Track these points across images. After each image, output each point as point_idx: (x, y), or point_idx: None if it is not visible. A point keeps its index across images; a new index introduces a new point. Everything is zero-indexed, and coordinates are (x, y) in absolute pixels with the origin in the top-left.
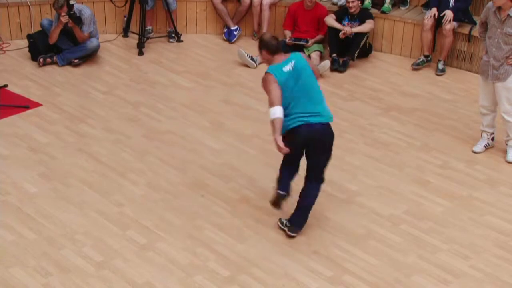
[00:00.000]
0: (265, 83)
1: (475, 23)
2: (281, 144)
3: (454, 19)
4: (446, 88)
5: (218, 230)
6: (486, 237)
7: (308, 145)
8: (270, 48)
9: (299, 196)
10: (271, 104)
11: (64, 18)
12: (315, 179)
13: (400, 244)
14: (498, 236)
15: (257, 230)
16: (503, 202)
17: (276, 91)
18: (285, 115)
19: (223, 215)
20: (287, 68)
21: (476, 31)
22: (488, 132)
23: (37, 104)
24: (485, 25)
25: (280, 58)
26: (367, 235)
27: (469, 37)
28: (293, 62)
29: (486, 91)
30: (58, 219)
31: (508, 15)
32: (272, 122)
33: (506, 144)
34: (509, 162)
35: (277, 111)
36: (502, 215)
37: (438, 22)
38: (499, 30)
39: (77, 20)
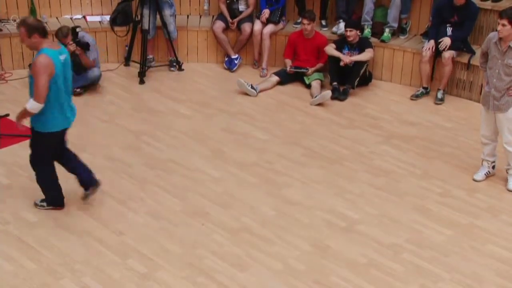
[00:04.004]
0: (39, 67)
1: (474, 52)
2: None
3: (453, 48)
4: (446, 116)
5: (218, 259)
6: (488, 267)
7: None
8: (41, 30)
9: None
10: (40, 96)
11: (72, 46)
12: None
13: (402, 273)
14: (500, 265)
15: (258, 258)
16: (505, 231)
17: (46, 83)
18: (49, 108)
19: (223, 243)
20: (63, 57)
21: (475, 60)
22: (489, 161)
23: None
24: (486, 56)
25: (50, 43)
26: (368, 264)
27: (468, 66)
28: (66, 55)
29: (487, 121)
30: (57, 249)
31: (509, 46)
32: (28, 112)
33: (507, 173)
34: (510, 191)
35: (38, 108)
36: (504, 244)
37: (437, 52)
38: (500, 61)
39: (86, 46)
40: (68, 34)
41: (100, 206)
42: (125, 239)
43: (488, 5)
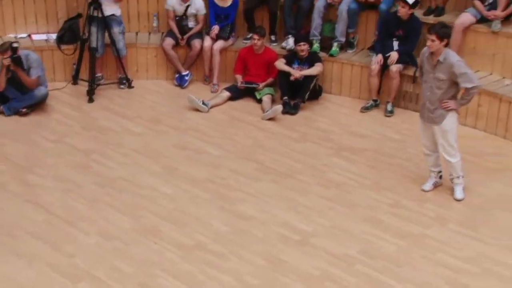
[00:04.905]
0: None
1: None
2: None
3: (400, 62)
4: (394, 128)
5: (171, 277)
6: (439, 275)
7: None
8: None
9: None
10: None
11: (6, 61)
12: None
13: (355, 284)
14: (449, 273)
15: (211, 275)
16: (453, 240)
17: None
18: None
19: (176, 261)
20: None
21: None
22: (435, 171)
23: None
24: (422, 69)
25: None
26: (322, 276)
27: (414, 79)
28: None
29: (425, 132)
30: (3, 274)
31: (438, 60)
32: None
33: (452, 182)
34: (457, 200)
35: None
36: (452, 252)
37: (384, 66)
38: (431, 74)
39: (18, 61)
40: (8, 49)
41: (49, 228)
42: (75, 261)
43: (431, 19)
